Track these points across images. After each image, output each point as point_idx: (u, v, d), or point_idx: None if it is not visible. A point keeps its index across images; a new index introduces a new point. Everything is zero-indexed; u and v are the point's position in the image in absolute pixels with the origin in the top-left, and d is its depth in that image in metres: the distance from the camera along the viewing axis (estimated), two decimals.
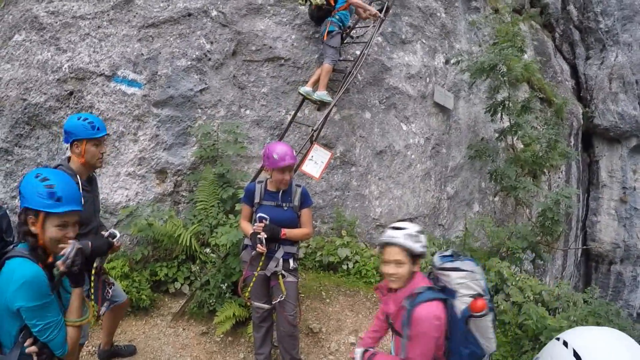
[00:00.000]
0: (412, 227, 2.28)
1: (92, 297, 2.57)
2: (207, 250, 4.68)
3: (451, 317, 2.18)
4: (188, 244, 4.55)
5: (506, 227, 7.55)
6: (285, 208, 3.43)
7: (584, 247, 12.17)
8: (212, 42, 5.32)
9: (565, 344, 1.05)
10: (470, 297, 2.15)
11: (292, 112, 5.55)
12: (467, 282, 2.18)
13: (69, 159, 3.00)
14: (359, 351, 2.56)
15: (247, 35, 5.49)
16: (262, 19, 5.62)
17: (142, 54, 5.04)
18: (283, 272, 3.45)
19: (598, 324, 4.63)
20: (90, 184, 3.07)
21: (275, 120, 5.61)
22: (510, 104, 7.45)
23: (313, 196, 5.41)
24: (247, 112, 5.51)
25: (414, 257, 2.24)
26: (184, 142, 5.17)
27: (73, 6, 4.93)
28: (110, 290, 3.00)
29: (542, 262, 7.92)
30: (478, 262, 2.39)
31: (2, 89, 4.76)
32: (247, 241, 3.53)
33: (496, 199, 8.47)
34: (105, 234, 2.42)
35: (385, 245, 2.27)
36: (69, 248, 1.95)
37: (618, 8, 11.80)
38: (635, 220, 12.22)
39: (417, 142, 6.79)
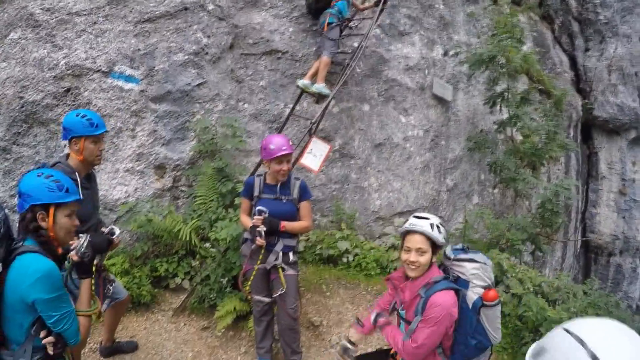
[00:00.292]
0: (435, 218, 2.32)
1: (95, 292, 2.57)
2: (207, 244, 4.67)
3: (462, 308, 2.25)
4: (188, 239, 4.55)
5: (505, 218, 7.54)
6: (284, 201, 3.43)
7: (584, 238, 12.18)
8: (209, 36, 5.28)
9: (580, 341, 1.03)
10: (482, 287, 2.24)
11: (291, 105, 5.53)
12: (480, 273, 2.27)
13: (67, 156, 2.98)
14: (373, 314, 2.58)
15: (245, 29, 5.46)
16: (259, 12, 5.59)
17: (139, 49, 5.01)
18: (283, 265, 3.45)
19: (598, 315, 4.63)
20: (89, 180, 3.06)
21: (274, 114, 5.60)
22: (510, 96, 7.42)
23: (312, 189, 5.39)
24: (245, 105, 5.49)
25: (436, 247, 2.29)
26: (182, 137, 5.15)
27: (68, 3, 4.89)
28: (110, 288, 2.99)
29: (541, 253, 7.93)
30: (494, 263, 2.46)
31: None
32: (246, 235, 3.53)
33: (495, 190, 8.46)
34: (105, 230, 2.42)
35: (408, 233, 2.31)
36: (82, 239, 2.12)
37: (617, 0, 11.74)
38: (634, 212, 12.22)
39: (416, 134, 6.77)
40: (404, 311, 2.42)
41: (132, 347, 3.99)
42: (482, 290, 2.23)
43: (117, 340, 3.94)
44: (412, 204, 6.66)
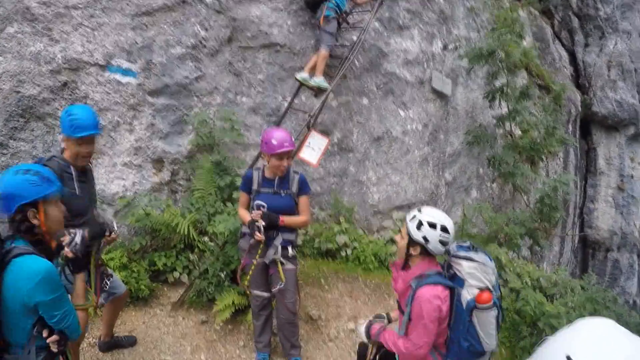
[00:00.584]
0: (427, 216, 2.27)
1: (92, 286, 2.56)
2: (206, 238, 4.67)
3: (456, 306, 2.23)
4: (186, 233, 4.53)
5: (504, 213, 7.56)
6: (283, 195, 3.42)
7: (581, 234, 12.21)
8: (207, 29, 5.25)
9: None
10: (477, 288, 2.19)
11: (289, 99, 5.50)
12: (476, 273, 2.22)
13: (63, 150, 2.96)
14: (361, 328, 2.59)
15: (243, 22, 5.43)
16: (257, 4, 5.55)
17: (136, 43, 4.97)
18: (282, 259, 3.44)
19: (595, 311, 4.65)
20: (85, 174, 3.04)
21: (272, 107, 5.57)
22: (509, 90, 7.42)
23: (311, 183, 5.38)
24: (244, 99, 5.47)
25: (411, 239, 2.28)
26: (180, 130, 5.13)
27: None
28: (108, 282, 2.98)
29: (539, 248, 7.96)
30: (493, 257, 2.43)
31: None
32: (245, 229, 3.52)
33: (494, 185, 8.46)
34: (100, 219, 2.41)
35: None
36: (77, 235, 2.11)
37: None
38: (632, 208, 12.25)
39: (414, 128, 6.76)
40: (399, 300, 2.44)
41: (130, 342, 3.98)
42: (477, 291, 2.17)
43: (115, 335, 3.94)
44: (410, 198, 6.65)
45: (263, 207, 3.32)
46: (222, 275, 4.34)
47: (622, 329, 1.06)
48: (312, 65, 5.36)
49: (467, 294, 2.20)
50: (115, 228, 2.52)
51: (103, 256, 3.86)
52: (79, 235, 2.11)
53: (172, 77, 5.04)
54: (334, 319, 4.56)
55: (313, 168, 5.46)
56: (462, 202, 7.63)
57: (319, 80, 5.27)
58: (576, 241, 11.95)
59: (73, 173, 2.88)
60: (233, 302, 4.18)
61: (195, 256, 4.68)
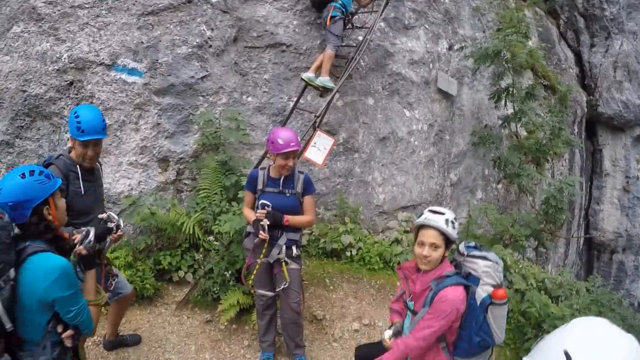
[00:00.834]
0: (450, 214, 2.35)
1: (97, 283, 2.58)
2: (211, 238, 4.67)
3: (470, 304, 2.27)
4: (191, 232, 4.54)
5: (509, 214, 7.53)
6: (288, 195, 3.41)
7: (587, 235, 12.14)
8: (212, 29, 5.25)
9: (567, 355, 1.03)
10: (491, 286, 2.26)
11: (295, 99, 5.50)
12: (491, 271, 2.28)
13: (70, 149, 2.98)
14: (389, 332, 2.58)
15: (248, 22, 5.43)
16: (263, 4, 5.55)
17: (142, 42, 4.99)
18: (286, 259, 3.44)
19: (600, 313, 4.63)
20: (92, 173, 3.05)
21: (278, 107, 5.57)
22: (514, 91, 7.38)
23: (316, 183, 5.39)
24: (249, 99, 5.47)
25: (449, 242, 2.33)
26: (185, 130, 5.14)
27: None
28: (113, 282, 2.99)
29: (544, 250, 7.92)
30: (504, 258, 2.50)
31: (1, 81, 4.71)
32: (249, 228, 3.51)
33: (499, 186, 8.43)
34: (104, 216, 2.42)
35: (423, 227, 2.33)
36: (90, 233, 2.15)
37: None
38: (638, 210, 12.17)
39: (420, 128, 6.74)
40: (412, 302, 2.43)
41: (135, 341, 3.99)
42: (492, 289, 2.25)
43: (120, 333, 3.95)
44: (415, 199, 6.64)
45: (268, 206, 3.31)
46: (227, 275, 4.34)
47: (616, 327, 1.07)
48: (318, 65, 5.36)
49: (482, 292, 2.26)
50: (116, 218, 2.51)
51: (108, 255, 3.86)
52: (92, 233, 2.15)
53: (177, 77, 5.05)
54: (339, 319, 4.56)
55: (318, 168, 5.46)
56: (467, 203, 7.60)
57: (324, 80, 5.26)
58: (581, 243, 11.89)
59: (79, 172, 2.89)
60: (238, 302, 4.18)
61: (201, 255, 4.69)
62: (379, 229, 6.26)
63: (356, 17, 6.02)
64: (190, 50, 5.12)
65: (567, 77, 10.92)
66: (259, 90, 5.51)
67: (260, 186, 3.43)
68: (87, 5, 4.88)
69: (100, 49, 4.87)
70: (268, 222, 3.23)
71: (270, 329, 3.81)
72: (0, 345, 1.81)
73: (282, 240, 3.42)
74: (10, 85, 4.71)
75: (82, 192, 2.89)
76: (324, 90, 5.42)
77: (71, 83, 4.82)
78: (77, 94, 4.84)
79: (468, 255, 2.37)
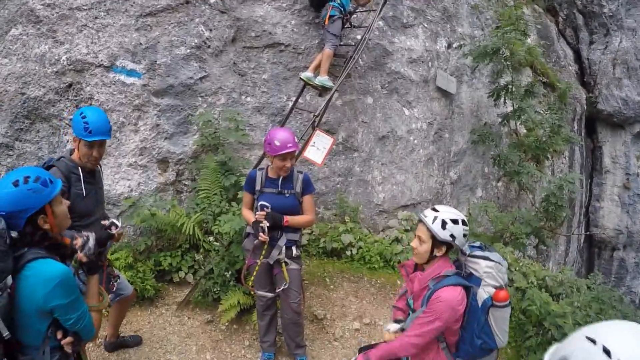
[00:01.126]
0: (447, 214, 2.27)
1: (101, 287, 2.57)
2: (211, 238, 4.67)
3: (471, 305, 2.23)
4: (191, 233, 4.54)
5: (509, 212, 7.53)
6: (287, 195, 3.40)
7: (587, 233, 12.14)
8: (211, 29, 5.25)
9: (592, 341, 1.00)
10: (493, 287, 2.22)
11: (294, 98, 5.50)
12: (493, 272, 2.24)
13: (71, 151, 2.97)
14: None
15: (247, 22, 5.43)
16: (261, 4, 5.54)
17: (141, 44, 4.99)
18: (286, 259, 3.44)
19: (601, 310, 4.62)
20: (93, 175, 3.05)
21: (277, 107, 5.57)
22: (514, 89, 7.38)
23: (315, 182, 5.39)
24: (248, 99, 5.47)
25: (437, 241, 2.26)
26: (185, 130, 5.14)
27: None
28: (115, 283, 2.98)
29: (545, 247, 7.92)
30: (504, 256, 2.45)
31: (0, 83, 4.72)
32: (249, 229, 3.51)
33: (499, 184, 8.43)
34: (107, 223, 2.38)
35: (419, 220, 2.36)
36: (90, 239, 2.04)
37: None
38: (638, 207, 12.15)
39: (419, 127, 6.74)
40: (413, 301, 2.43)
41: (136, 342, 4.00)
42: (494, 290, 2.21)
43: (121, 334, 3.95)
44: (415, 197, 6.64)
45: (267, 207, 3.30)
46: (228, 275, 4.34)
47: None
48: (317, 64, 5.35)
49: (484, 293, 2.22)
50: (119, 225, 2.49)
51: (109, 256, 3.87)
52: (92, 239, 2.06)
53: (176, 78, 5.05)
54: (339, 318, 4.56)
55: (318, 167, 5.46)
56: (467, 201, 7.60)
57: (323, 79, 5.25)
58: (582, 240, 11.88)
59: (80, 174, 2.89)
60: (238, 302, 4.18)
61: (201, 256, 4.69)
62: (379, 228, 6.26)
63: (354, 16, 6.01)
64: (188, 51, 5.12)
65: (567, 75, 10.91)
66: (258, 90, 5.51)
67: (258, 187, 3.42)
68: (85, 7, 4.88)
69: (99, 50, 4.87)
70: (268, 224, 3.22)
71: (270, 329, 3.81)
72: None
73: (281, 241, 3.42)
74: (9, 87, 4.71)
75: (84, 195, 2.89)
76: (322, 90, 5.42)
77: (70, 85, 4.83)
78: (76, 96, 4.84)
79: (470, 255, 2.33)
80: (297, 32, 5.70)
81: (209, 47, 5.23)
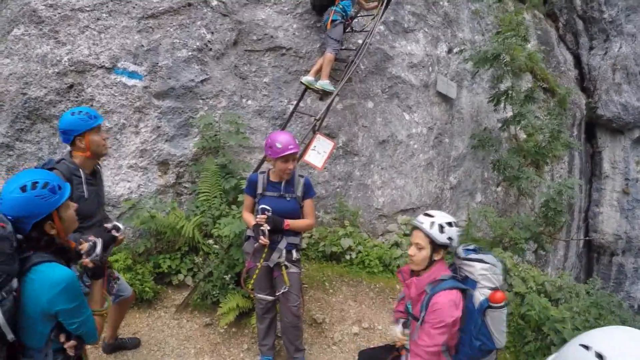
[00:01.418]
0: (442, 218, 2.34)
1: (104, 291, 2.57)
2: (210, 241, 4.67)
3: (468, 308, 2.26)
4: (191, 236, 4.54)
5: (509, 217, 7.53)
6: (288, 199, 3.40)
7: (586, 238, 12.15)
8: (212, 32, 5.27)
9: (586, 347, 1.01)
10: (489, 289, 2.25)
11: (294, 102, 5.51)
12: (488, 274, 2.27)
13: (71, 153, 2.96)
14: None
15: (248, 25, 5.44)
16: (263, 8, 5.56)
17: (142, 46, 5.00)
18: (286, 263, 3.43)
19: (600, 315, 4.62)
20: (95, 177, 3.05)
21: (277, 110, 5.58)
22: (514, 94, 7.40)
23: (316, 186, 5.39)
24: (249, 102, 5.48)
25: (436, 245, 2.31)
26: (185, 133, 5.14)
27: None
28: (115, 285, 2.97)
29: (544, 252, 7.92)
30: (499, 258, 2.46)
31: (1, 83, 4.71)
32: (249, 232, 3.50)
33: (499, 189, 8.44)
34: (109, 226, 2.37)
35: (414, 228, 2.40)
36: (97, 246, 2.04)
37: None
38: (637, 212, 12.18)
39: (419, 131, 6.75)
40: (411, 306, 2.43)
41: (134, 344, 3.99)
42: (489, 292, 2.23)
43: (119, 337, 3.94)
44: (415, 202, 6.64)
45: (268, 211, 3.30)
46: (227, 278, 4.34)
47: None
48: (318, 68, 5.37)
49: (480, 295, 2.25)
50: (122, 228, 2.48)
51: (109, 258, 3.87)
52: (99, 245, 2.05)
53: (177, 80, 5.06)
54: (338, 322, 4.55)
55: (318, 171, 5.46)
56: (467, 206, 7.61)
57: (324, 83, 5.27)
58: (581, 245, 11.89)
59: (82, 176, 2.89)
60: (237, 305, 4.17)
61: (200, 259, 4.69)
62: (378, 232, 6.26)
63: (356, 20, 6.04)
64: (190, 53, 5.13)
65: (566, 80, 10.94)
66: (259, 93, 5.52)
67: (260, 190, 3.42)
68: (87, 9, 4.89)
69: (101, 52, 4.88)
70: (268, 227, 3.22)
71: (269, 332, 3.80)
72: (2, 352, 1.78)
73: (282, 244, 3.41)
74: (10, 87, 4.71)
75: (86, 196, 2.89)
76: (323, 94, 5.43)
77: (71, 86, 4.83)
78: (77, 97, 4.84)
79: (465, 259, 2.36)
80: (298, 35, 5.72)
81: (210, 49, 5.25)
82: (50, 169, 2.77)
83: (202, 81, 5.19)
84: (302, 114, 5.59)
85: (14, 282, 1.74)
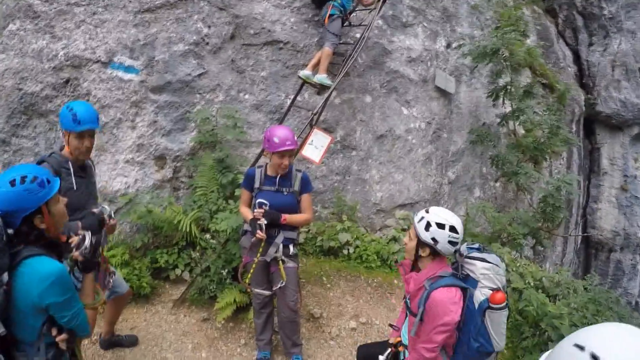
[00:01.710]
0: (435, 217, 2.25)
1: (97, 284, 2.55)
2: (207, 236, 4.66)
3: (468, 307, 2.22)
4: (188, 230, 4.53)
5: (507, 212, 7.52)
6: (285, 193, 3.39)
7: (584, 234, 12.15)
8: (209, 26, 5.23)
9: (580, 347, 0.99)
10: (490, 289, 2.20)
11: (292, 96, 5.48)
12: (490, 274, 2.23)
13: (62, 147, 2.96)
14: None
15: (246, 19, 5.41)
16: (260, 1, 5.53)
17: (139, 40, 4.97)
18: (283, 257, 3.42)
19: (598, 312, 4.62)
20: (84, 169, 3.04)
21: (275, 105, 5.56)
22: (512, 89, 7.36)
23: (313, 181, 5.37)
24: (246, 96, 5.45)
25: (420, 241, 2.28)
26: (182, 127, 5.12)
27: None
28: (111, 280, 2.96)
29: (542, 248, 7.91)
30: (503, 258, 2.42)
31: None
32: (246, 227, 3.50)
33: (497, 184, 8.42)
34: (95, 210, 2.34)
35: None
36: (86, 239, 2.04)
37: None
38: (635, 209, 12.18)
39: (418, 126, 6.73)
40: (410, 301, 2.42)
41: (131, 341, 3.97)
42: (490, 292, 2.19)
43: (117, 333, 3.93)
44: (413, 197, 6.63)
45: (265, 205, 3.29)
46: (224, 273, 4.33)
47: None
48: (316, 62, 5.34)
49: (480, 295, 2.20)
50: (108, 210, 2.44)
51: (105, 253, 3.85)
52: (87, 238, 2.05)
53: (174, 74, 5.04)
54: (336, 317, 4.55)
55: (316, 166, 5.45)
56: (465, 202, 7.59)
57: (322, 77, 5.24)
58: (579, 241, 11.90)
59: (71, 168, 2.89)
60: (234, 300, 4.17)
61: (197, 254, 4.68)
62: (376, 227, 6.25)
63: (354, 14, 6.00)
64: (187, 47, 5.10)
65: (566, 76, 10.91)
66: (256, 87, 5.49)
67: (257, 184, 3.41)
68: (83, 3, 4.86)
69: (97, 46, 4.85)
70: (265, 222, 3.21)
71: (267, 327, 3.80)
72: None
73: (279, 239, 3.41)
74: (6, 83, 4.68)
75: (75, 188, 2.88)
76: (321, 88, 5.41)
77: (67, 81, 4.80)
78: (73, 92, 4.81)
79: (467, 257, 2.31)
80: (296, 29, 5.68)
81: (207, 44, 5.21)
82: (41, 162, 2.77)
83: (199, 75, 5.16)
84: (300, 108, 5.57)
85: (5, 276, 1.75)
